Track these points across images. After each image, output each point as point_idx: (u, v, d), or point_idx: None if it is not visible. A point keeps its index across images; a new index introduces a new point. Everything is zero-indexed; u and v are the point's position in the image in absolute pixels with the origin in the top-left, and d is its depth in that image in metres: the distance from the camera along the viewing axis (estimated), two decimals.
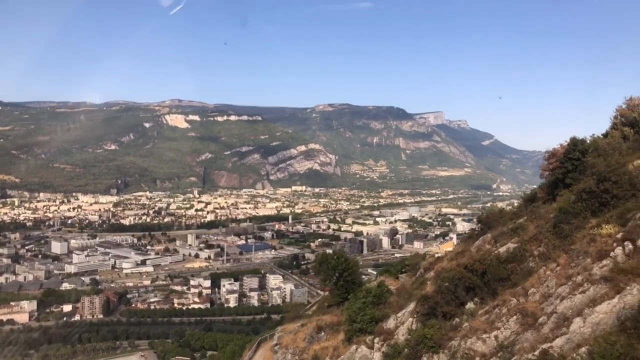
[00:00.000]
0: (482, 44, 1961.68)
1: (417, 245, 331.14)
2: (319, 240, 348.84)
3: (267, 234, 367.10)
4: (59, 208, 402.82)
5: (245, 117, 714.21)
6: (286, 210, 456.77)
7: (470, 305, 15.35)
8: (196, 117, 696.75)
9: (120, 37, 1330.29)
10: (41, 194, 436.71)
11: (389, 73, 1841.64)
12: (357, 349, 18.04)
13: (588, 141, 24.17)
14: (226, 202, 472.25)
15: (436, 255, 31.52)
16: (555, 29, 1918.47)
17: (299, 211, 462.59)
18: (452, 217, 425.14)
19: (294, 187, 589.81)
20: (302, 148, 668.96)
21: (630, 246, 11.88)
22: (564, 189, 20.05)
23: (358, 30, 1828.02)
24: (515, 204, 31.72)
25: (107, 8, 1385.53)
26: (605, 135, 23.61)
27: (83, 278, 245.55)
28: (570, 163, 20.30)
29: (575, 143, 21.06)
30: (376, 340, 17.81)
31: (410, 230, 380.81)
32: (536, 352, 10.80)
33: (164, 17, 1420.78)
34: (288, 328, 27.93)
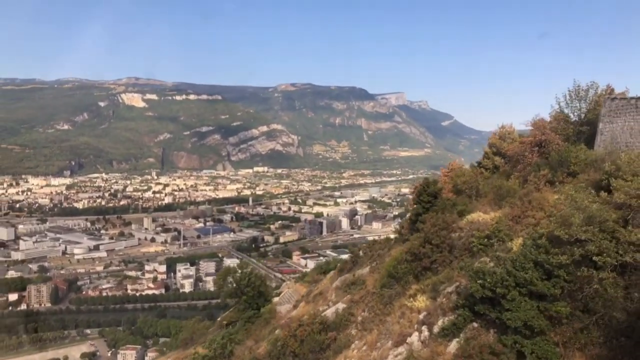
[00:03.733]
0: (443, 25, 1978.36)
1: (376, 226, 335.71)
2: (279, 222, 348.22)
3: (227, 217, 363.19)
4: (6, 191, 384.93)
5: (204, 97, 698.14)
6: (247, 192, 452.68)
7: None
8: (154, 96, 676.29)
9: (74, 11, 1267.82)
10: None
11: (352, 53, 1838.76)
12: None
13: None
14: (185, 184, 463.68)
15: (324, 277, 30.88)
16: (514, 11, 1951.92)
17: (260, 193, 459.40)
18: (411, 197, 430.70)
19: (255, 168, 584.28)
20: (264, 128, 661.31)
21: (427, 332, 11.35)
22: (415, 232, 19.48)
23: (321, 9, 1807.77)
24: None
25: None
26: (479, 164, 23.24)
27: (31, 265, 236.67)
28: (421, 206, 19.74)
29: (427, 184, 20.47)
30: None
31: (369, 211, 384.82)
32: None
33: None
34: None
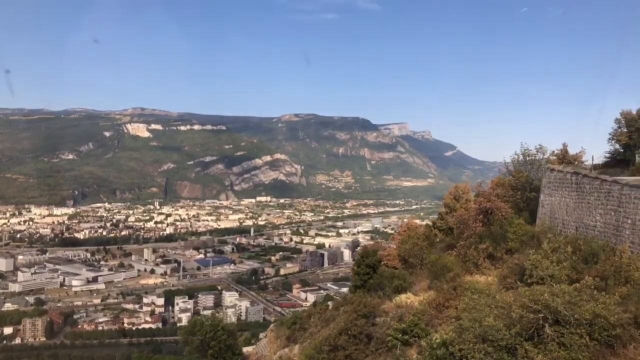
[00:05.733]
0: (445, 56, 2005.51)
1: None
2: (280, 253, 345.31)
3: (228, 248, 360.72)
4: (8, 221, 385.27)
5: (209, 127, 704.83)
6: (249, 222, 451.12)
7: None
8: (158, 126, 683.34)
9: (81, 43, 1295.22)
10: None
11: (355, 84, 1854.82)
12: None
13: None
14: (187, 214, 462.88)
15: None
16: (517, 42, 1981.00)
17: (262, 223, 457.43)
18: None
19: (258, 198, 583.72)
20: (268, 158, 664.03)
21: None
22: None
23: (324, 41, 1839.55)
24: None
25: (66, 12, 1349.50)
26: (434, 224, 22.39)
27: (28, 297, 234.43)
28: (359, 278, 18.78)
29: (366, 254, 19.56)
30: None
31: (372, 242, 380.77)
32: None
33: (126, 24, 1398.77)
34: None
